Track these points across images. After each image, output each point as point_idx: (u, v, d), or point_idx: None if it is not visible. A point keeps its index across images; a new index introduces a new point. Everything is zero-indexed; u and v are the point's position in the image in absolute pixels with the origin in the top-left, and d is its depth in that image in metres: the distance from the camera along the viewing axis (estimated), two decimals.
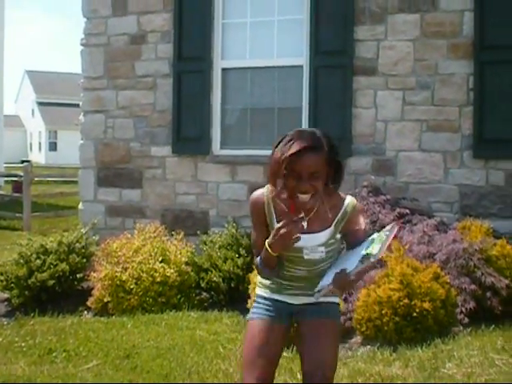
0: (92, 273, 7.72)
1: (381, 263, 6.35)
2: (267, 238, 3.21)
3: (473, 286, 6.09)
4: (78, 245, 8.10)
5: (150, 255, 7.51)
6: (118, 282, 7.32)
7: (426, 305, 5.72)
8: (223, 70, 8.69)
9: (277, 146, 3.19)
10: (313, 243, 3.26)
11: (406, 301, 5.71)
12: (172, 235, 8.01)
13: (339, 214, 3.27)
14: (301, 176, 3.09)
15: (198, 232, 8.23)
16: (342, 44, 8.15)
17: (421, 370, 5.19)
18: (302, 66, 8.40)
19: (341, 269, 3.05)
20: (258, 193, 3.38)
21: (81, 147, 9.50)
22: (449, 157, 7.87)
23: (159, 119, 8.98)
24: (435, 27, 7.88)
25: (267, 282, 3.45)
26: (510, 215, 7.64)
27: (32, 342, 6.31)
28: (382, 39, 8.05)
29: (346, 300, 6.26)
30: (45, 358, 5.88)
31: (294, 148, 3.08)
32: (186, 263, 7.58)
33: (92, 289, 7.71)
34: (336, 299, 3.45)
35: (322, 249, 3.27)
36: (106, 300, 7.39)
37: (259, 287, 3.53)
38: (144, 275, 7.30)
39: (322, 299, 3.26)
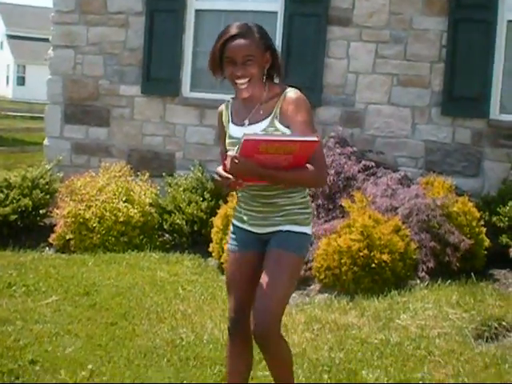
0: (55, 209, 7.71)
1: (343, 214, 6.42)
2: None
3: (432, 243, 6.18)
4: (41, 181, 8.07)
5: (114, 194, 7.51)
6: (80, 220, 7.32)
7: (385, 256, 5.81)
8: (197, 11, 8.59)
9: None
10: (255, 130, 3.26)
11: (366, 252, 5.79)
12: (137, 176, 7.99)
13: (278, 102, 3.28)
14: (235, 61, 3.24)
15: (164, 174, 8.20)
16: None
17: (376, 319, 5.29)
18: (276, 13, 8.31)
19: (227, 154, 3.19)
20: (221, 105, 3.56)
21: (49, 82, 9.35)
22: (417, 112, 7.90)
23: (130, 58, 8.85)
24: None
25: (237, 213, 3.51)
26: (473, 173, 7.73)
27: None
28: None
29: None
30: (4, 292, 5.89)
31: (225, 35, 3.25)
32: (150, 204, 7.59)
33: (54, 225, 7.70)
34: (297, 228, 3.32)
35: (262, 134, 3.22)
36: (68, 237, 7.41)
37: (233, 217, 3.59)
38: (107, 214, 7.30)
39: (278, 228, 3.33)
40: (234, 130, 3.38)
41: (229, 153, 3.14)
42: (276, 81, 3.44)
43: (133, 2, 8.79)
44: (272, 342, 3.23)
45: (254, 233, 3.42)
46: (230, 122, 3.43)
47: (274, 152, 3.01)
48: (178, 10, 8.58)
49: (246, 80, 3.23)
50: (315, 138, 3.01)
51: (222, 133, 3.51)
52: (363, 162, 7.10)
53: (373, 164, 7.15)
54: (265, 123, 3.27)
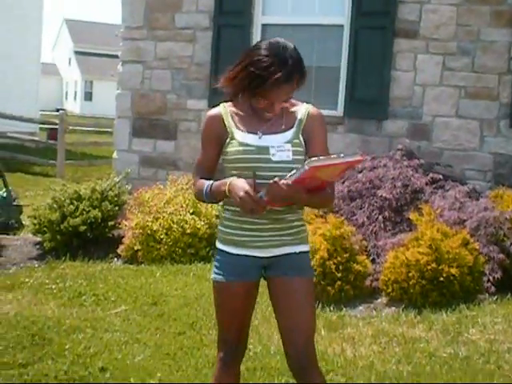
0: (123, 221, 7.82)
1: (411, 227, 6.37)
2: (214, 160, 3.20)
3: (501, 255, 6.08)
4: (110, 193, 8.19)
5: (182, 207, 7.59)
6: (148, 232, 7.41)
7: (454, 270, 5.74)
8: (263, 25, 8.67)
9: (250, 55, 3.05)
10: (279, 141, 3.08)
11: (434, 265, 5.73)
12: None
13: (299, 116, 3.15)
14: (273, 103, 3.04)
15: None
16: (385, 5, 8.06)
17: (444, 333, 5.23)
18: (342, 26, 8.33)
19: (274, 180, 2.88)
20: (214, 109, 3.23)
21: (117, 97, 9.54)
22: (485, 125, 7.80)
23: (197, 72, 8.98)
24: None
25: (230, 236, 3.15)
26: None
27: (62, 284, 6.46)
28: (426, 2, 7.95)
29: (373, 261, 6.30)
30: (74, 301, 6.02)
31: (277, 80, 2.95)
32: (217, 216, 7.64)
33: (123, 237, 7.81)
34: (306, 247, 3.21)
35: (289, 147, 3.07)
36: (136, 248, 7.49)
37: (221, 241, 3.21)
38: (174, 226, 7.38)
39: (290, 249, 3.13)
40: (248, 138, 3.09)
41: (275, 179, 2.85)
42: None
43: (200, 17, 8.92)
44: (317, 373, 3.14)
45: (254, 257, 3.13)
46: (235, 128, 3.13)
47: (326, 175, 2.90)
48: (245, 25, 8.67)
49: (280, 107, 3.08)
50: (361, 158, 2.92)
51: (214, 139, 3.17)
52: (431, 175, 7.05)
53: (440, 177, 7.09)
54: (289, 135, 3.10)
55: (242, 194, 2.91)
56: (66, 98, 61.31)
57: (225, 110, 3.19)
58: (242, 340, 3.34)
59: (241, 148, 3.07)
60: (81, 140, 21.44)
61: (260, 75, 2.96)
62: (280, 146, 3.06)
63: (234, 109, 3.18)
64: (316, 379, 3.14)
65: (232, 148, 3.10)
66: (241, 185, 2.94)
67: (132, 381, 4.33)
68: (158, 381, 4.36)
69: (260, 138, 3.09)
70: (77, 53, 58.48)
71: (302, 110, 3.18)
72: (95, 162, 17.41)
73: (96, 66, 56.31)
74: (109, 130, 27.22)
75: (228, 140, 3.12)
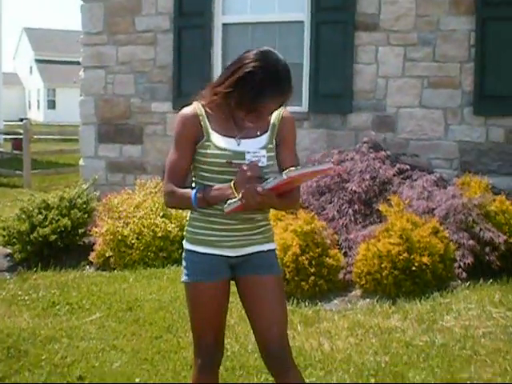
0: (93, 228, 7.77)
1: (380, 218, 6.41)
2: (189, 160, 3.09)
3: (471, 242, 6.14)
4: (79, 200, 8.13)
5: (151, 210, 7.56)
6: (119, 237, 7.37)
7: (425, 259, 5.78)
8: (224, 25, 8.67)
9: (240, 68, 2.99)
10: (254, 147, 3.06)
11: (406, 255, 5.77)
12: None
13: (273, 119, 3.13)
14: (260, 114, 3.00)
15: None
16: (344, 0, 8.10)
17: (419, 322, 5.27)
18: (303, 22, 8.37)
19: (250, 185, 2.88)
20: (189, 108, 3.12)
21: (81, 103, 9.49)
22: (449, 113, 7.88)
23: (160, 75, 8.97)
24: None
25: (199, 236, 3.11)
26: (508, 172, 7.68)
27: (35, 295, 6.39)
28: None
29: (345, 254, 6.33)
30: (48, 311, 5.96)
31: (267, 99, 2.95)
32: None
33: (93, 244, 7.76)
34: (274, 245, 3.23)
35: (264, 152, 3.05)
36: (107, 255, 7.45)
37: (189, 242, 3.17)
38: (145, 230, 7.35)
39: (259, 247, 3.14)
40: (225, 142, 3.06)
41: (256, 186, 2.86)
42: None
43: (160, 20, 8.90)
44: (292, 367, 3.15)
45: (223, 256, 3.12)
46: (212, 130, 3.08)
47: (298, 182, 2.99)
48: (205, 26, 8.67)
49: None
50: (331, 166, 3.03)
51: (190, 139, 3.08)
52: (398, 166, 7.10)
53: (407, 167, 7.14)
54: (263, 140, 3.10)
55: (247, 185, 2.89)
56: (30, 107, 60.78)
57: (200, 110, 3.10)
58: (218, 343, 3.31)
59: (217, 152, 3.03)
60: (46, 149, 21.23)
61: (252, 91, 2.93)
62: (255, 151, 3.06)
63: (208, 110, 3.10)
64: (293, 375, 3.15)
65: (208, 150, 3.05)
66: (225, 191, 2.98)
67: None
68: None
69: (238, 144, 3.06)
70: (38, 61, 57.96)
71: (275, 113, 3.14)
72: (62, 170, 17.25)
73: (58, 74, 55.86)
74: (74, 137, 27.07)
75: (203, 141, 3.07)
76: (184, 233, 3.22)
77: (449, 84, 7.85)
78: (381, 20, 8.04)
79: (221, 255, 3.12)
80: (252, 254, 3.15)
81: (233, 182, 2.97)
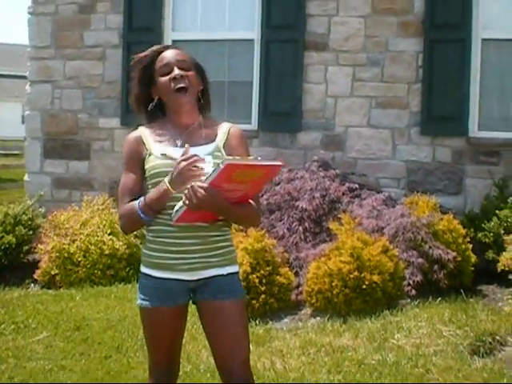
0: (39, 245, 7.63)
1: (331, 237, 6.43)
2: (141, 182, 3.08)
3: (420, 260, 6.21)
4: (24, 217, 8.00)
5: (99, 227, 7.46)
6: (65, 254, 7.25)
7: (376, 277, 5.82)
8: (174, 41, 8.61)
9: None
10: (199, 153, 2.93)
11: (356, 273, 5.80)
12: None
13: (220, 130, 3.13)
14: (171, 67, 3.05)
15: None
16: (294, 18, 8.15)
17: (370, 340, 5.29)
18: (253, 40, 8.38)
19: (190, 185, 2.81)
20: (133, 132, 3.17)
21: (27, 118, 9.33)
22: (397, 133, 7.97)
23: (108, 90, 8.87)
24: (386, 4, 7.94)
25: (154, 259, 3.05)
26: (455, 191, 7.80)
27: None
28: (334, 15, 8.08)
29: (296, 273, 6.33)
30: None
31: (155, 48, 3.18)
32: (135, 236, 7.52)
33: (38, 261, 7.62)
34: (235, 268, 3.14)
35: (210, 159, 2.97)
36: (53, 272, 7.32)
37: (145, 265, 3.11)
38: (92, 247, 7.24)
39: (218, 271, 3.04)
40: (167, 151, 3.03)
41: (193, 183, 2.79)
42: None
43: (109, 35, 8.81)
44: None
45: (179, 280, 3.04)
46: (154, 143, 3.07)
47: (241, 179, 2.79)
48: (155, 42, 8.41)
49: (186, 84, 3.05)
50: (281, 163, 2.85)
51: (136, 160, 3.08)
52: (347, 185, 7.15)
53: (356, 186, 7.19)
54: (210, 147, 3.05)
55: (181, 164, 2.84)
56: None
57: (143, 130, 3.14)
58: (173, 364, 3.25)
59: (159, 161, 3.00)
60: None
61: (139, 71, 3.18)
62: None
63: (153, 129, 3.13)
64: None
65: (151, 163, 3.03)
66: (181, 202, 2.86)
67: None
68: None
69: (178, 146, 3.02)
70: None
71: (222, 127, 3.15)
72: (4, 186, 16.95)
73: (0, 88, 54.99)
74: (16, 152, 26.72)
75: (147, 157, 3.06)
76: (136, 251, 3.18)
77: (397, 104, 7.95)
78: (330, 40, 8.10)
79: (177, 279, 3.03)
80: (211, 277, 3.05)
81: (167, 178, 2.90)
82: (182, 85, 3.04)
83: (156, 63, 3.10)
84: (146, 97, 3.17)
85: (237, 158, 2.82)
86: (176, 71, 3.04)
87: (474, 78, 7.81)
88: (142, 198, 3.00)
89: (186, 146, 2.93)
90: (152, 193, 2.97)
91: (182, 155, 2.87)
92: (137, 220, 3.02)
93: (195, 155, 2.86)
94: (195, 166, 2.85)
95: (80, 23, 8.93)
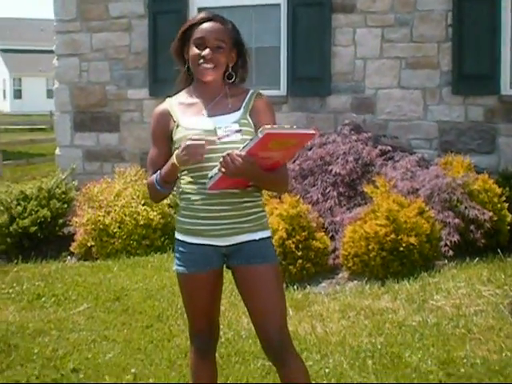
0: (73, 218, 7.69)
1: (365, 200, 6.41)
2: (167, 155, 3.07)
3: (456, 220, 6.17)
4: (57, 190, 8.05)
5: (132, 198, 7.50)
6: (101, 226, 7.30)
7: (412, 239, 5.80)
8: (199, 9, 8.54)
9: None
10: (225, 122, 3.02)
11: (393, 236, 5.78)
12: None
13: (246, 98, 3.13)
14: (204, 44, 3.04)
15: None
16: None
17: (410, 302, 5.29)
18: (279, 5, 8.31)
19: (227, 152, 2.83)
20: (160, 106, 3.19)
21: (56, 92, 9.36)
22: (428, 93, 7.89)
23: (135, 61, 8.86)
24: None
25: (187, 226, 3.09)
26: (488, 150, 7.73)
27: (19, 288, 6.30)
28: None
29: (332, 237, 6.32)
30: (34, 304, 5.89)
31: (196, 18, 3.13)
32: (169, 205, 7.57)
33: (74, 234, 7.69)
34: (267, 233, 3.14)
35: (236, 126, 3.01)
36: (89, 244, 7.39)
37: (179, 232, 3.15)
38: (127, 218, 7.28)
39: (250, 236, 3.05)
40: (193, 122, 3.05)
41: (228, 151, 2.81)
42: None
43: (135, 5, 8.79)
44: (293, 357, 3.10)
45: (213, 246, 3.07)
46: (181, 116, 3.09)
47: (277, 148, 2.80)
48: (181, 10, 8.56)
49: (213, 66, 3.04)
50: (314, 132, 2.84)
51: (163, 134, 3.11)
52: (379, 147, 7.09)
53: (389, 148, 7.14)
54: (237, 115, 3.06)
55: (188, 142, 2.89)
56: None
57: (170, 102, 3.16)
58: (213, 329, 3.29)
59: (187, 132, 3.00)
60: (15, 139, 20.95)
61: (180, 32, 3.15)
62: (227, 126, 3.02)
63: (180, 99, 3.15)
64: (295, 365, 3.10)
65: (179, 135, 3.05)
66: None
67: (107, 379, 4.26)
68: (133, 376, 4.29)
69: (205, 116, 3.05)
70: (3, 50, 57.10)
71: (248, 95, 3.15)
72: (33, 161, 17.03)
73: (24, 63, 55.08)
74: (42, 126, 26.81)
75: (175, 130, 3.08)
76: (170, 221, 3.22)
77: (427, 64, 7.86)
78: (358, 1, 8.00)
79: (210, 245, 3.06)
80: (244, 242, 3.06)
81: (175, 152, 2.96)
82: (208, 65, 3.04)
83: (195, 30, 3.09)
84: (182, 55, 3.18)
85: (275, 126, 2.81)
86: (206, 51, 3.03)
87: (505, 36, 7.68)
88: (159, 171, 3.05)
89: (217, 135, 2.98)
90: (165, 166, 3.02)
91: (191, 138, 2.89)
92: (157, 191, 3.09)
93: (203, 137, 2.89)
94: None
95: None
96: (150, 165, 3.16)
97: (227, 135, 2.98)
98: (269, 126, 2.76)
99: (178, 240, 3.15)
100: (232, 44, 3.12)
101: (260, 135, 2.70)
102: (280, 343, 3.07)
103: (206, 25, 3.07)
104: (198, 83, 3.14)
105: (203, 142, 2.89)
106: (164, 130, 3.11)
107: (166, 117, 3.11)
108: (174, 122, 3.08)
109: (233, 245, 3.06)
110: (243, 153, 2.79)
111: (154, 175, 3.07)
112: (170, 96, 3.20)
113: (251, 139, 2.78)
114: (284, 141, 2.79)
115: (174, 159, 2.95)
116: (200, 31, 3.06)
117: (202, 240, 3.06)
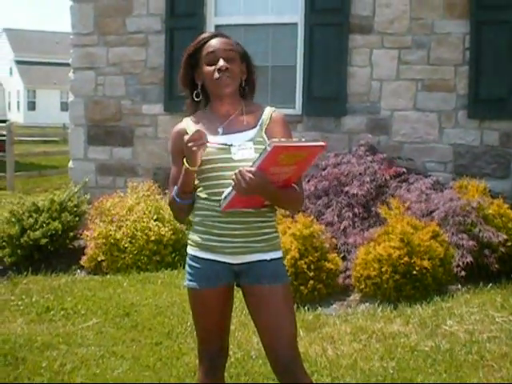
0: (85, 231, 7.66)
1: (379, 221, 6.37)
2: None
3: (471, 242, 6.11)
4: (70, 203, 8.03)
5: (144, 214, 7.47)
6: (112, 241, 7.27)
7: (426, 263, 5.74)
8: (216, 26, 8.57)
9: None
10: (240, 140, 3.04)
11: (406, 259, 5.72)
12: (165, 194, 7.94)
13: (262, 115, 3.14)
14: (216, 56, 3.07)
15: None
16: (338, 1, 8.04)
17: (422, 326, 5.23)
18: (297, 24, 8.30)
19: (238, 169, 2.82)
20: (177, 125, 3.23)
21: (71, 105, 9.38)
22: (443, 116, 7.84)
23: (151, 76, 8.87)
24: None
25: (200, 241, 3.10)
26: (503, 175, 7.66)
27: (28, 300, 6.28)
28: None
29: (344, 258, 6.28)
30: (43, 317, 5.86)
31: (202, 36, 3.16)
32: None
33: (84, 247, 7.66)
34: (279, 254, 3.13)
35: (251, 144, 3.02)
36: (99, 259, 7.35)
37: (191, 247, 3.17)
38: (138, 234, 7.26)
39: (261, 256, 3.06)
40: (211, 139, 3.02)
41: (239, 168, 2.81)
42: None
43: (152, 21, 8.80)
44: (303, 377, 3.08)
45: (224, 263, 3.07)
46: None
47: (287, 162, 2.79)
48: (197, 27, 8.55)
49: (229, 75, 3.06)
50: (323, 143, 2.83)
51: (180, 153, 3.05)
52: (394, 169, 7.06)
53: (404, 170, 7.11)
54: (252, 133, 3.07)
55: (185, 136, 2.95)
56: (9, 109, 60.26)
57: (187, 121, 3.19)
58: (222, 347, 3.28)
59: (210, 149, 3.02)
60: (28, 150, 21.01)
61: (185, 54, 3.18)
62: (242, 144, 3.03)
63: (196, 118, 3.19)
64: (307, 380, 3.08)
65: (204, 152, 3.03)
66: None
67: None
68: None
69: (220, 134, 3.07)
70: (18, 62, 57.49)
71: (265, 112, 3.17)
72: (45, 173, 17.08)
73: (38, 75, 55.43)
74: (55, 139, 26.91)
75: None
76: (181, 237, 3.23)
77: (443, 87, 7.82)
78: (375, 22, 7.99)
79: (222, 261, 3.07)
80: (254, 262, 3.06)
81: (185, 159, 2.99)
82: (225, 75, 3.07)
83: (203, 50, 3.12)
84: (191, 81, 3.21)
85: (282, 139, 2.82)
86: (221, 63, 3.07)
87: None
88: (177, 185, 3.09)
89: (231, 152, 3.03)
90: (180, 178, 3.05)
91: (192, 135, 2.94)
92: (177, 205, 3.11)
93: (198, 130, 2.94)
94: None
95: (122, 9, 8.93)
96: (171, 183, 3.18)
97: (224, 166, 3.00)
98: (276, 139, 2.77)
99: (190, 255, 3.16)
100: (240, 58, 3.16)
101: (268, 148, 2.71)
102: (289, 363, 3.05)
103: (212, 41, 3.12)
104: (214, 101, 3.16)
105: (200, 131, 2.93)
106: (181, 148, 3.06)
107: (183, 135, 3.08)
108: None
109: (244, 263, 3.07)
110: (253, 168, 2.78)
111: (173, 191, 3.10)
112: (187, 115, 3.22)
113: (260, 154, 2.77)
114: (294, 154, 2.78)
115: (185, 163, 2.97)
116: (209, 47, 3.10)
117: (214, 256, 3.07)
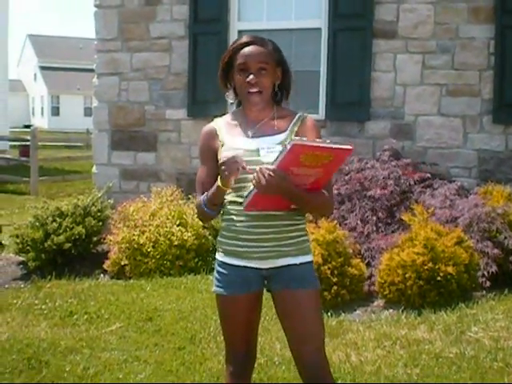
0: (108, 236, 7.69)
1: (403, 227, 6.33)
2: (215, 176, 3.06)
3: (496, 250, 6.06)
4: (93, 208, 8.06)
5: (168, 219, 7.48)
6: (135, 245, 7.29)
7: (450, 269, 5.70)
8: (240, 32, 8.57)
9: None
10: (269, 143, 3.04)
11: (431, 265, 5.68)
12: (188, 199, 7.95)
13: (293, 120, 3.14)
14: (248, 69, 3.06)
15: None
16: (362, 6, 8.03)
17: (447, 333, 5.18)
18: (320, 29, 8.28)
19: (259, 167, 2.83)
20: (208, 125, 3.24)
21: (95, 110, 9.42)
22: (468, 121, 7.79)
23: (174, 82, 8.89)
24: None
25: (228, 247, 3.10)
26: None
27: (52, 304, 6.31)
28: (402, 1, 7.92)
29: (368, 264, 6.25)
30: (66, 321, 5.89)
31: (237, 43, 3.15)
32: (204, 227, 7.54)
33: (107, 252, 7.69)
34: (308, 258, 3.12)
35: (280, 148, 2.92)
36: (122, 263, 7.37)
37: (220, 252, 3.17)
38: (161, 238, 7.26)
39: (290, 260, 3.05)
40: (238, 141, 3.07)
41: (260, 166, 2.83)
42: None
43: (175, 26, 8.83)
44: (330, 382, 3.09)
45: (253, 268, 3.07)
46: (227, 136, 3.13)
47: (310, 164, 2.76)
48: (221, 32, 8.58)
49: (258, 90, 3.06)
50: (350, 147, 2.79)
51: (210, 153, 3.15)
52: (418, 174, 7.02)
53: (428, 175, 7.07)
54: (281, 137, 3.06)
55: (223, 158, 2.93)
56: (33, 114, 60.76)
57: (217, 122, 3.21)
58: (250, 351, 3.29)
59: (230, 153, 2.99)
60: (52, 155, 21.16)
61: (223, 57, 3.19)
62: (270, 147, 3.02)
63: (227, 119, 3.20)
64: None
65: (223, 154, 3.05)
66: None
67: None
68: None
69: (250, 137, 3.07)
70: (42, 68, 57.98)
71: (296, 117, 3.16)
72: (69, 177, 17.20)
73: (62, 81, 55.85)
74: (79, 144, 27.06)
75: (220, 148, 3.12)
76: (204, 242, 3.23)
77: (468, 92, 7.76)
78: (399, 27, 7.95)
79: (250, 267, 3.06)
80: (284, 266, 3.05)
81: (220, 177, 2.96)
82: (254, 89, 3.08)
83: (237, 56, 3.11)
84: (228, 80, 3.23)
85: (303, 138, 2.81)
86: (250, 77, 3.06)
87: None
88: (206, 193, 3.07)
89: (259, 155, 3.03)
90: (211, 189, 3.03)
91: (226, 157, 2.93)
92: (204, 212, 3.11)
93: (234, 156, 2.90)
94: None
95: (146, 15, 8.97)
96: (197, 184, 3.19)
97: (251, 168, 2.93)
98: (297, 138, 2.78)
99: (218, 261, 3.16)
100: (275, 64, 3.14)
101: (288, 146, 2.70)
102: (316, 367, 3.05)
103: (246, 49, 3.09)
104: (246, 106, 3.17)
105: (239, 156, 2.90)
106: (210, 148, 3.15)
107: (213, 136, 3.16)
108: (220, 141, 3.13)
109: (273, 268, 3.07)
110: (274, 166, 2.78)
111: (202, 197, 3.09)
112: (218, 116, 3.23)
113: (280, 152, 2.77)
114: (317, 155, 2.75)
115: (218, 181, 2.96)
116: (241, 57, 3.09)
117: (242, 262, 3.07)
